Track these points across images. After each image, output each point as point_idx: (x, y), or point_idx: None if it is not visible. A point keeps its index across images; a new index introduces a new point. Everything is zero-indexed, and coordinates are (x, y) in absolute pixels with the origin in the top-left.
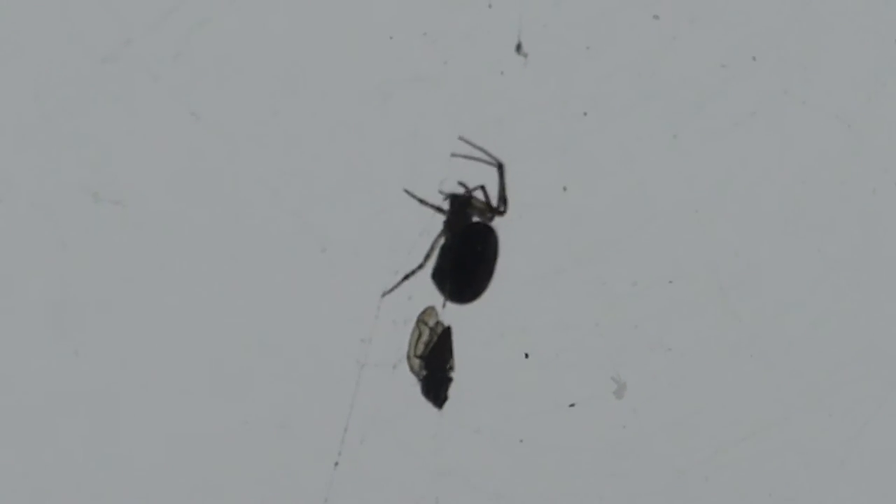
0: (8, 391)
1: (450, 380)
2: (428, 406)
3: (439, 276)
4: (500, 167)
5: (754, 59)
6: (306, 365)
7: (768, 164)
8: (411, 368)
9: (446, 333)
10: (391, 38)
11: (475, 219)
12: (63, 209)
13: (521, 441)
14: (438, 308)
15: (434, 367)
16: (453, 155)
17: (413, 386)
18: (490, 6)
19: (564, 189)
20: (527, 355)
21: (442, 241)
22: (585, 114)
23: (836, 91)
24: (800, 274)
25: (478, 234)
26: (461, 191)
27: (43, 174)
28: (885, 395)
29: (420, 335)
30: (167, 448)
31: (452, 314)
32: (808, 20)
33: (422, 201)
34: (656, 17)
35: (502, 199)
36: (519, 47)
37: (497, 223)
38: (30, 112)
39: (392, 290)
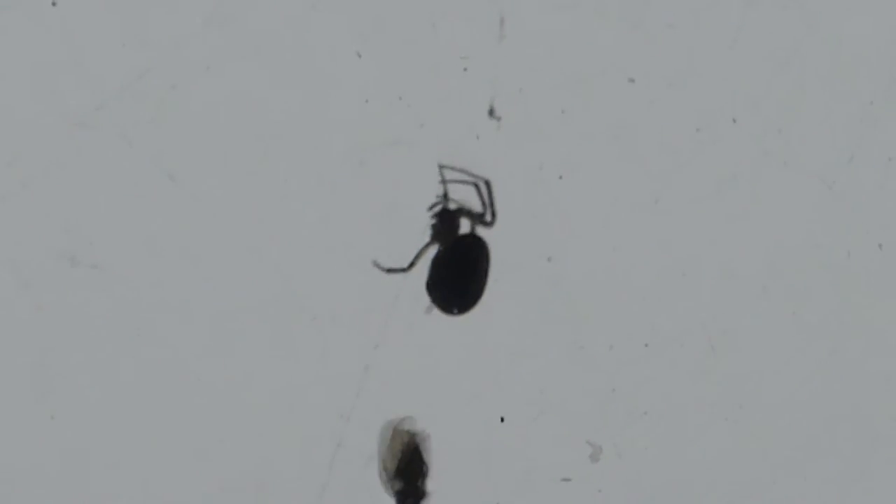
0: None
1: (423, 495)
2: None
3: (434, 287)
4: (487, 184)
5: (734, 121)
6: (286, 433)
7: (749, 227)
8: (383, 483)
9: (418, 446)
10: (367, 101)
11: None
12: (40, 273)
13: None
14: (411, 420)
15: (408, 481)
16: (441, 182)
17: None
18: (465, 70)
19: (549, 260)
20: (502, 419)
21: (430, 251)
22: (561, 177)
23: (816, 152)
24: (778, 338)
25: (469, 244)
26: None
27: (19, 239)
28: (865, 459)
29: (392, 448)
30: None
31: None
32: (787, 82)
33: (390, 270)
34: (632, 80)
35: (491, 211)
36: (492, 111)
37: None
38: (4, 178)
39: (377, 266)
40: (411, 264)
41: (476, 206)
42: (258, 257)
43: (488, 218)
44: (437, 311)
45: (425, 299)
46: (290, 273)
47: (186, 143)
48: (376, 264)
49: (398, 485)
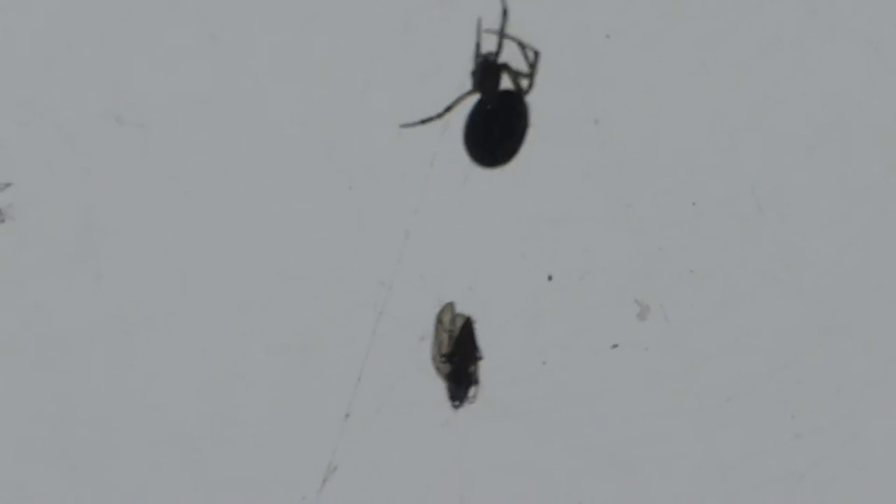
0: (32, 317)
1: (473, 382)
2: None
3: (472, 138)
4: (536, 54)
5: None
6: (328, 300)
7: (797, 88)
8: (437, 371)
9: (467, 326)
10: None
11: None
12: (86, 133)
13: (544, 363)
14: (454, 304)
15: (458, 366)
16: (494, 33)
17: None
18: None
19: (596, 122)
20: (550, 277)
21: (469, 101)
22: (608, 36)
23: (864, 14)
24: (825, 200)
25: (512, 100)
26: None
27: (64, 99)
28: None
29: (439, 336)
30: (191, 372)
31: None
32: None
33: (424, 121)
34: None
35: (531, 80)
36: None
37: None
38: (48, 39)
39: (409, 125)
40: (447, 109)
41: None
42: (297, 120)
43: (526, 85)
44: (476, 172)
45: (462, 161)
46: (328, 139)
47: (229, 3)
48: (407, 124)
49: (448, 369)
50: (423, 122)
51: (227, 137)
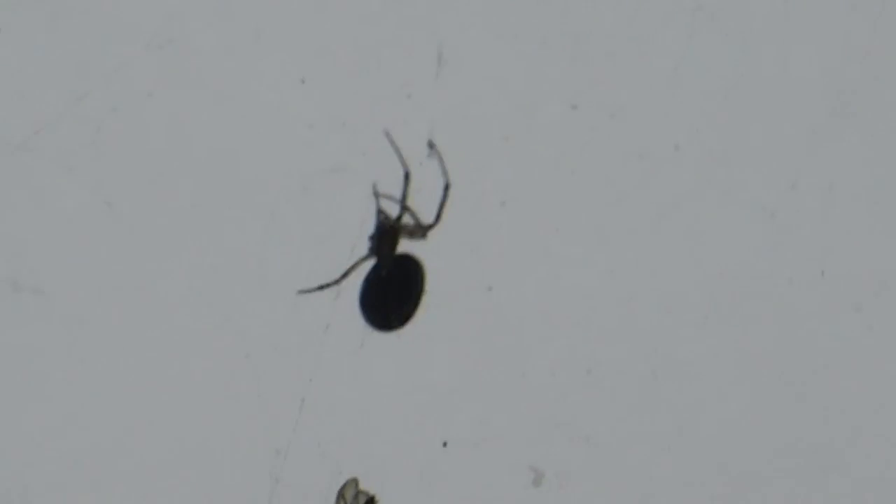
0: None
1: None
2: None
3: (367, 303)
4: (407, 175)
5: (676, 148)
6: (223, 469)
7: (692, 255)
8: None
9: None
10: (311, 127)
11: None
12: None
13: None
14: (358, 481)
15: None
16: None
17: None
18: (409, 96)
19: (490, 289)
20: (445, 444)
21: (365, 265)
22: (503, 204)
23: (757, 180)
24: (720, 367)
25: (405, 262)
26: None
27: None
28: (808, 489)
29: None
30: None
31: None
32: (729, 110)
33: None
34: (575, 107)
35: (438, 215)
36: (431, 145)
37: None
38: None
39: (306, 291)
40: (344, 275)
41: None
42: (194, 289)
43: (433, 221)
44: (371, 337)
45: (358, 326)
46: (226, 308)
47: (125, 169)
48: (305, 290)
49: None
50: (321, 287)
51: (123, 307)
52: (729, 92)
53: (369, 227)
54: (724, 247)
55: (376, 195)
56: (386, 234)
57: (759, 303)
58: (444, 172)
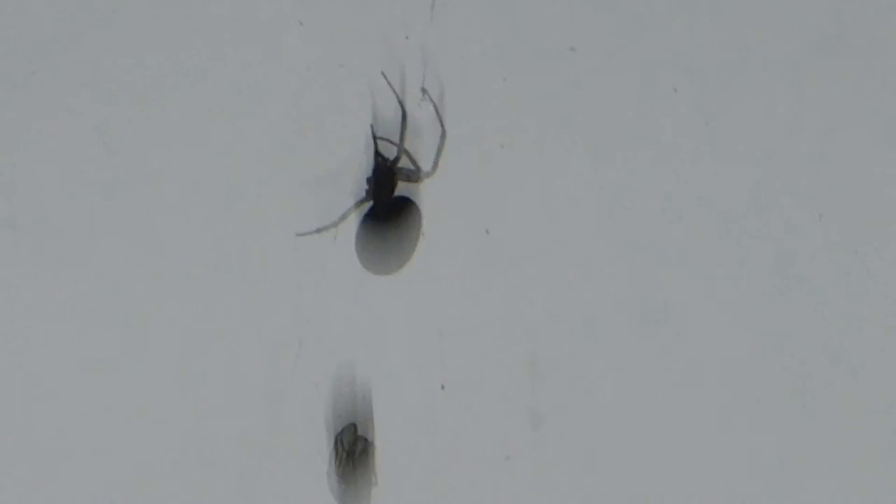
0: None
1: None
2: None
3: (363, 245)
4: (404, 116)
5: (675, 90)
6: (220, 413)
7: (689, 198)
8: (331, 489)
9: (365, 451)
10: (308, 68)
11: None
12: None
13: (439, 474)
14: (357, 425)
15: (351, 487)
16: (378, 138)
17: None
18: (407, 38)
19: (487, 231)
20: (443, 387)
21: (362, 207)
22: (502, 146)
23: (754, 121)
24: (720, 310)
25: (402, 206)
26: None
27: None
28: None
29: (338, 455)
30: None
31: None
32: (727, 50)
33: (320, 230)
34: (573, 49)
35: (435, 161)
36: (423, 92)
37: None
38: None
39: (305, 234)
40: (341, 218)
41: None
42: (192, 229)
43: (429, 168)
44: (369, 277)
45: (356, 271)
46: (224, 249)
47: (122, 107)
48: (303, 233)
49: (341, 488)
50: (319, 230)
51: (122, 249)
52: (726, 33)
53: (367, 169)
54: (721, 187)
55: (374, 136)
56: (383, 176)
57: (757, 243)
58: (440, 120)
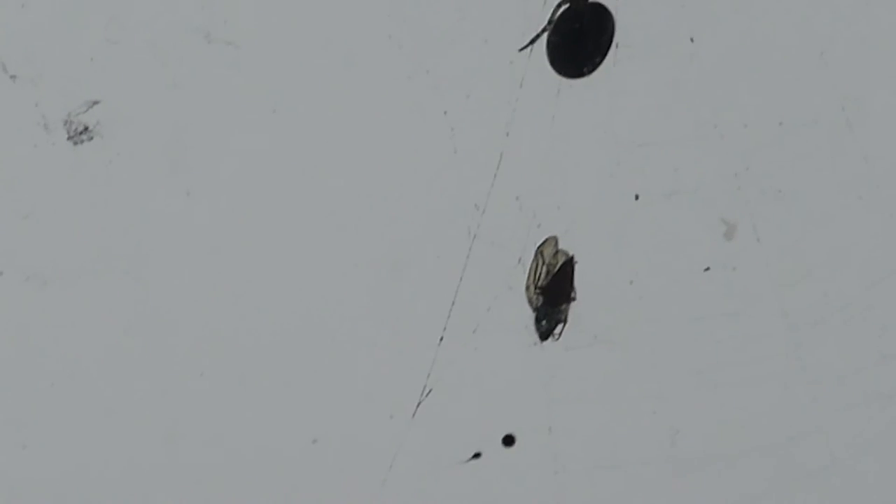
0: (122, 234)
1: (562, 320)
2: None
3: (554, 48)
4: None
5: None
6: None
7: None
8: (529, 300)
9: (567, 264)
10: None
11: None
12: (176, 49)
13: (632, 283)
14: (558, 239)
15: (550, 299)
16: None
17: None
18: None
19: (691, 40)
20: (637, 197)
21: (562, 10)
22: None
23: None
24: None
25: (599, 13)
26: None
27: (157, 14)
28: None
29: (538, 267)
30: (282, 290)
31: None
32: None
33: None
34: None
35: None
36: None
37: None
38: None
39: (525, 47)
40: (549, 22)
41: None
42: (395, 46)
43: None
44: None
45: (552, 82)
46: (423, 59)
47: None
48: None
49: (540, 301)
50: (533, 40)
51: (315, 59)
52: None
53: None
54: None
55: None
56: None
57: None
58: None
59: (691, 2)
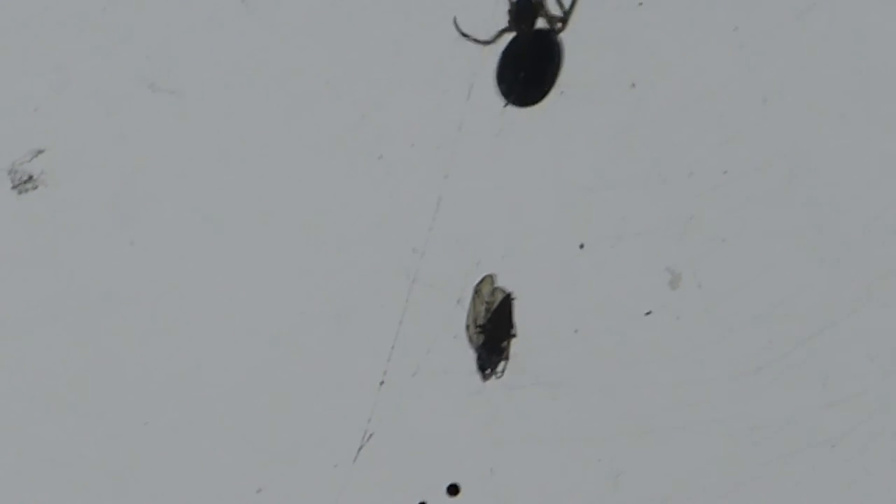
0: (66, 283)
1: (504, 357)
2: None
3: (504, 78)
4: None
5: None
6: (361, 267)
7: (831, 53)
8: (469, 339)
9: (505, 301)
10: None
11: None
12: (120, 99)
13: (576, 331)
14: (495, 277)
15: (490, 337)
16: None
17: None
18: None
19: (633, 86)
20: (582, 246)
21: (505, 37)
22: (641, 4)
23: None
24: (857, 165)
25: (545, 39)
26: None
27: (101, 65)
28: None
29: (476, 305)
30: (225, 339)
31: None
32: None
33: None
34: None
35: (565, 18)
36: None
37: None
38: (85, 4)
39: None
40: (496, 38)
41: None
42: (331, 89)
43: (558, 26)
44: (507, 135)
45: (492, 125)
46: (359, 108)
47: None
48: (459, 28)
49: (481, 339)
50: (467, 37)
51: (259, 104)
52: None
53: None
54: (862, 44)
55: None
56: (525, 8)
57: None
58: None
59: (633, 48)
